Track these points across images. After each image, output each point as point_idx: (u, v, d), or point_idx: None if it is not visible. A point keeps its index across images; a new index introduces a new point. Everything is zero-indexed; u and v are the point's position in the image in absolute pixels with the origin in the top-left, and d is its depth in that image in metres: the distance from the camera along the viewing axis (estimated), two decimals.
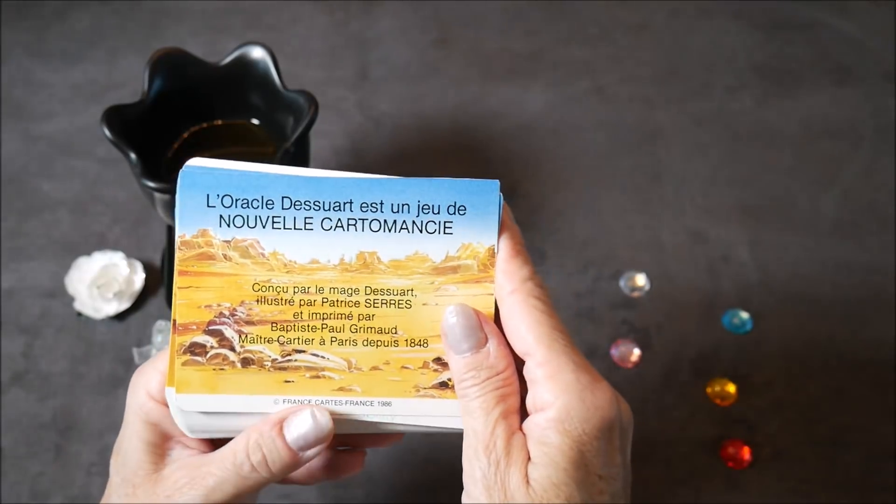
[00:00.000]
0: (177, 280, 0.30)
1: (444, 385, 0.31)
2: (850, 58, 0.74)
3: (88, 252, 0.58)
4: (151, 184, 0.46)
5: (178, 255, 0.30)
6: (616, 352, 0.56)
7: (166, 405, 0.32)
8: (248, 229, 0.30)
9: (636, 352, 0.56)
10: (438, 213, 0.30)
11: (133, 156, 0.47)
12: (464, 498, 0.30)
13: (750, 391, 0.54)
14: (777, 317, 0.58)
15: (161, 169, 0.53)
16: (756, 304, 0.58)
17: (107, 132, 0.48)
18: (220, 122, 0.56)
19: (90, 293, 0.56)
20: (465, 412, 0.30)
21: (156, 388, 0.32)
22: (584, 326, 0.57)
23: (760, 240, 0.62)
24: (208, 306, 0.30)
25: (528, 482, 0.28)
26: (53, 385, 0.54)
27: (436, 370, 0.31)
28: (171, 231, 0.56)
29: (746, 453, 0.52)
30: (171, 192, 0.46)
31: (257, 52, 0.53)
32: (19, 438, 0.52)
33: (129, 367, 0.54)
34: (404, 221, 0.30)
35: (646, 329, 0.57)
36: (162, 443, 0.33)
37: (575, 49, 0.74)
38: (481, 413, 0.29)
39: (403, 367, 0.31)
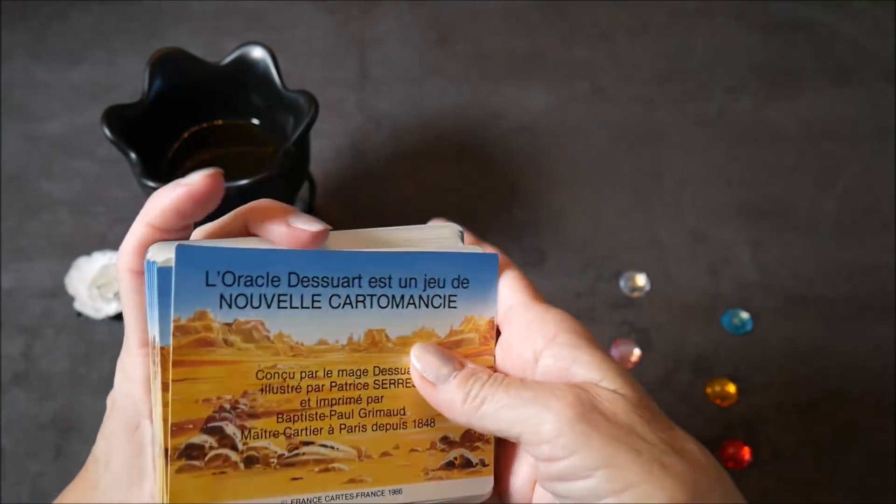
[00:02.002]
0: (172, 372, 0.27)
1: (450, 465, 0.30)
2: (850, 58, 0.74)
3: (88, 252, 0.58)
4: (151, 184, 0.46)
5: (172, 342, 0.27)
6: (616, 352, 0.56)
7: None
8: (252, 309, 0.27)
9: (636, 352, 0.56)
10: (444, 286, 0.30)
11: (133, 156, 0.47)
12: (549, 468, 0.26)
13: (750, 391, 0.54)
14: (777, 317, 0.58)
15: (161, 169, 0.53)
16: (756, 304, 0.58)
17: (107, 132, 0.48)
18: (220, 122, 0.56)
19: (90, 293, 0.56)
20: (497, 410, 0.27)
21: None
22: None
23: (760, 240, 0.62)
24: (206, 400, 0.27)
25: (616, 393, 0.28)
26: (53, 385, 0.54)
27: (442, 450, 0.30)
28: None
29: (746, 453, 0.52)
30: None
31: (257, 52, 0.53)
32: (19, 438, 0.52)
33: None
34: (412, 296, 0.30)
35: (646, 329, 0.57)
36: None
37: (575, 49, 0.74)
38: (516, 390, 0.27)
39: (412, 451, 0.30)
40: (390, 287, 0.29)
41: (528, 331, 0.29)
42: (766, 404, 0.54)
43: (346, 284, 0.28)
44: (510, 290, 0.30)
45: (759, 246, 0.61)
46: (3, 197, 0.62)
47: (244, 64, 0.53)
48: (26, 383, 0.54)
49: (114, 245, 0.59)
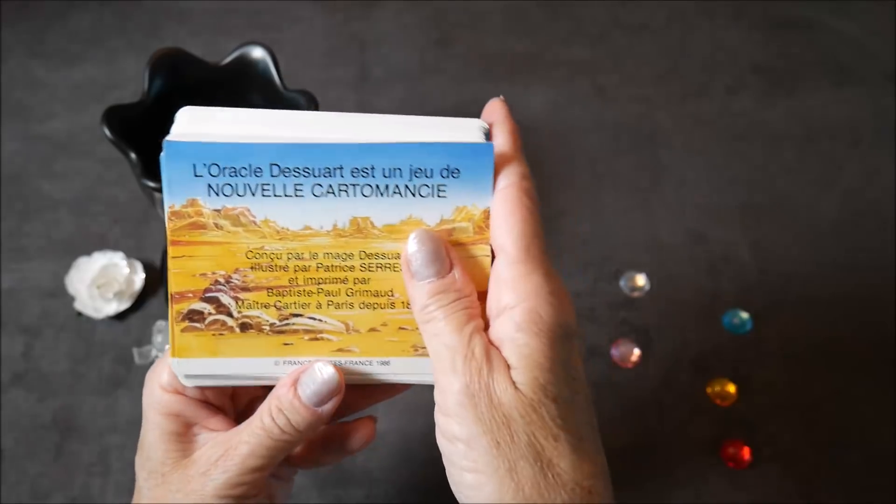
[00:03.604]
0: (169, 250, 0.30)
1: None
2: (850, 58, 0.74)
3: (88, 252, 0.58)
4: (151, 184, 0.46)
5: (168, 225, 0.30)
6: (616, 352, 0.56)
7: (180, 393, 0.33)
8: (238, 197, 0.30)
9: (636, 352, 0.56)
10: (431, 176, 0.30)
11: (133, 156, 0.47)
12: (438, 416, 0.29)
13: (750, 391, 0.54)
14: (777, 317, 0.58)
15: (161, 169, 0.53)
16: (756, 304, 0.58)
17: (107, 132, 0.48)
18: None
19: (90, 293, 0.56)
20: (432, 335, 0.29)
21: (167, 379, 0.33)
22: (584, 326, 0.57)
23: (760, 240, 0.62)
24: (203, 274, 0.31)
25: (515, 386, 0.27)
26: (53, 385, 0.54)
27: None
28: None
29: (746, 453, 0.52)
30: None
31: (257, 52, 0.53)
32: (19, 438, 0.52)
33: (130, 367, 0.54)
34: (397, 186, 0.30)
35: (646, 329, 0.57)
36: (185, 431, 0.33)
37: (575, 49, 0.74)
38: (453, 329, 0.28)
39: (401, 328, 0.31)
40: (373, 177, 0.30)
41: (499, 286, 0.29)
42: (766, 404, 0.54)
43: (327, 174, 0.30)
44: (507, 233, 0.29)
45: (759, 246, 0.61)
46: (3, 197, 0.62)
47: (244, 64, 0.53)
48: (26, 383, 0.54)
49: (114, 245, 0.59)
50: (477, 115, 0.34)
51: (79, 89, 0.69)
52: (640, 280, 0.59)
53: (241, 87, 0.54)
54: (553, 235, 0.62)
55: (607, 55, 0.73)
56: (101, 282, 0.56)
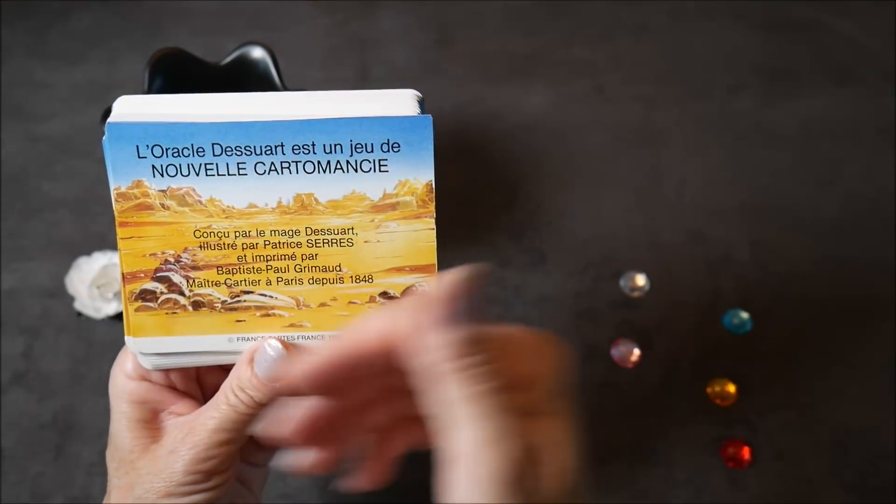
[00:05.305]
0: (118, 231, 0.31)
1: None
2: (850, 58, 0.74)
3: (89, 252, 0.58)
4: None
5: (115, 206, 0.31)
6: (616, 352, 0.56)
7: (144, 380, 0.33)
8: (182, 177, 0.30)
9: (636, 352, 0.56)
10: (372, 151, 0.31)
11: None
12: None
13: (750, 391, 0.54)
14: (777, 317, 0.58)
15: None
16: (756, 304, 0.58)
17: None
18: None
19: (90, 293, 0.56)
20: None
21: (131, 367, 0.33)
22: (584, 326, 0.57)
23: (760, 240, 0.62)
24: (153, 254, 0.31)
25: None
26: (54, 385, 0.54)
27: (382, 304, 0.32)
28: None
29: (746, 453, 0.52)
30: None
31: (257, 52, 0.53)
32: (19, 438, 0.52)
33: None
34: (338, 161, 0.31)
35: (646, 329, 0.57)
36: (152, 418, 0.33)
37: (575, 49, 0.74)
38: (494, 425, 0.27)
39: (350, 303, 0.32)
40: (314, 153, 0.30)
41: None
42: (766, 404, 0.54)
43: (268, 152, 0.30)
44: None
45: (759, 245, 0.61)
46: (3, 197, 0.62)
47: (244, 64, 0.53)
48: (26, 383, 0.54)
49: (114, 245, 0.59)
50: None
51: (79, 89, 0.69)
52: (640, 280, 0.59)
53: (241, 87, 0.54)
54: (553, 235, 0.62)
55: (607, 55, 0.73)
56: (101, 282, 0.56)
